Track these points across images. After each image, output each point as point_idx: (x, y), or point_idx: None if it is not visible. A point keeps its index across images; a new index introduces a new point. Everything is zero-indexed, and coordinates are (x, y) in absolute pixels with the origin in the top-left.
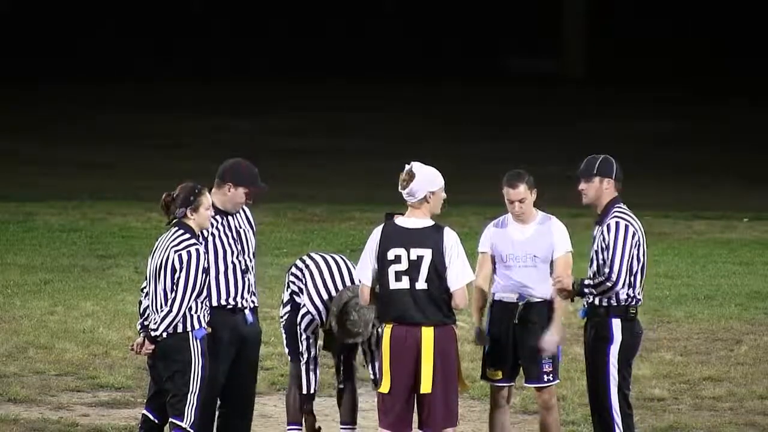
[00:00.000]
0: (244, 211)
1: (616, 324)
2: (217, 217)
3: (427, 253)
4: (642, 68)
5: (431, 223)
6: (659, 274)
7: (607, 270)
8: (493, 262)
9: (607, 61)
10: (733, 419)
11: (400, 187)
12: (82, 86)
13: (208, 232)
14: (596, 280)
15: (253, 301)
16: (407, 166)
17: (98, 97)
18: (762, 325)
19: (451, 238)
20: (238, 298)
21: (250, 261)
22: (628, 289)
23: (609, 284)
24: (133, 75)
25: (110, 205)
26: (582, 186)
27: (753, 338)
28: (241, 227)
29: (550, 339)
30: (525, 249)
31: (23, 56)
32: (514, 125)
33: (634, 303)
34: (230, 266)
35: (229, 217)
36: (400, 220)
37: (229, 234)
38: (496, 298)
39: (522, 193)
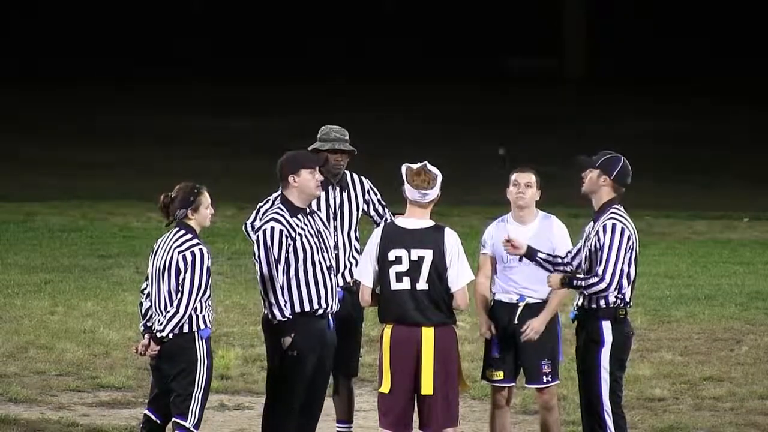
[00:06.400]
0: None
1: (606, 326)
2: (299, 216)
3: (427, 254)
4: (642, 68)
5: (431, 223)
6: (659, 274)
7: (600, 271)
8: (493, 263)
9: (607, 61)
10: (733, 419)
11: (417, 186)
12: (84, 86)
13: (294, 232)
14: (589, 281)
15: (336, 304)
16: (419, 165)
17: (98, 97)
18: (762, 325)
19: (451, 238)
20: (329, 301)
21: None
22: (618, 292)
23: (602, 285)
24: (133, 75)
25: (110, 205)
26: (584, 173)
27: (753, 338)
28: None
29: (535, 325)
30: None
31: (23, 56)
32: (514, 125)
33: (622, 305)
34: (317, 265)
35: (309, 217)
36: (400, 221)
37: (313, 233)
38: (496, 299)
39: (530, 177)
